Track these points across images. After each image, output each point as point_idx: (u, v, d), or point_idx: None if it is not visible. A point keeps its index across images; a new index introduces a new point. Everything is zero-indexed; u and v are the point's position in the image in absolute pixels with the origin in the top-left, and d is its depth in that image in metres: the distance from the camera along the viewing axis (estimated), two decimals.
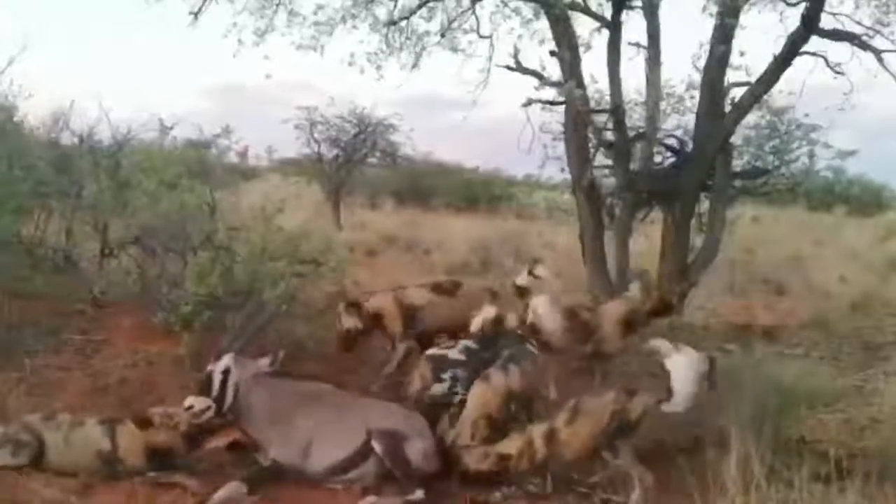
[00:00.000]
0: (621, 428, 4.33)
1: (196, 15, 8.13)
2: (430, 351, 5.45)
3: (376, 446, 4.37)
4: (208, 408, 4.44)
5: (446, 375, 5.13)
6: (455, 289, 6.59)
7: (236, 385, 4.53)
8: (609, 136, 7.77)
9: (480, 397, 4.77)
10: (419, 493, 4.21)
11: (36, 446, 4.24)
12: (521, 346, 5.26)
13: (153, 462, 4.38)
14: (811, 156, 9.33)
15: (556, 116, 8.30)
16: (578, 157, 7.92)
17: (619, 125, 7.67)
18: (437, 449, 4.55)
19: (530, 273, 6.36)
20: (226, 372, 4.54)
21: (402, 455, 4.35)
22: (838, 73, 7.38)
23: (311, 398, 4.72)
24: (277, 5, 7.81)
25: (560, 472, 4.47)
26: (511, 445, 4.48)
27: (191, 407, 4.42)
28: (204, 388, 4.51)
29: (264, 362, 4.67)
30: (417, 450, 4.41)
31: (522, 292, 6.31)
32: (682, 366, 4.35)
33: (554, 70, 7.64)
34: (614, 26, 7.74)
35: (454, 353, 5.26)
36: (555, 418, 4.50)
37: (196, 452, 4.56)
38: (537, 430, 4.48)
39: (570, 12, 7.62)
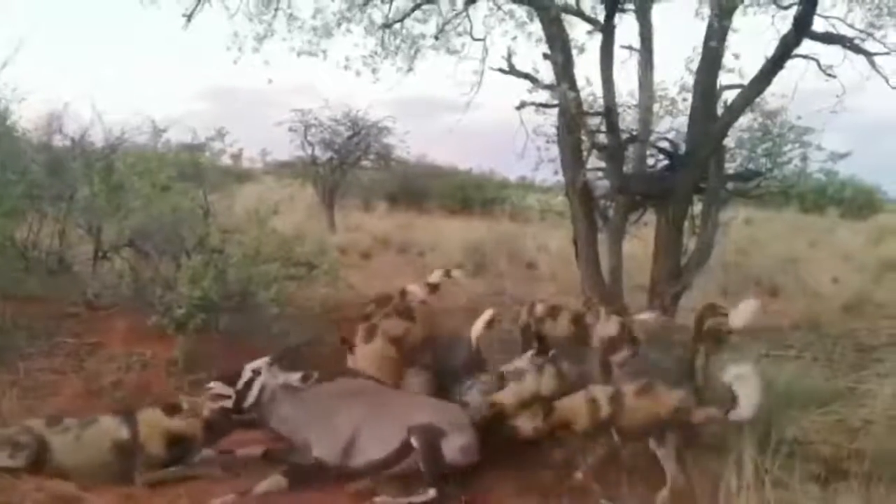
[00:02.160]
0: (676, 425, 4.40)
1: (189, 17, 8.09)
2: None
3: (414, 441, 4.37)
4: (228, 396, 4.53)
5: None
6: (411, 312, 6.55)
7: (262, 387, 4.61)
8: (602, 138, 7.77)
9: (506, 394, 4.94)
10: (431, 493, 4.20)
11: (35, 449, 4.20)
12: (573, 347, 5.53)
13: (173, 451, 4.40)
14: (804, 158, 9.34)
15: (550, 119, 8.29)
16: (572, 159, 7.91)
17: (613, 128, 7.66)
18: (476, 442, 4.55)
19: (447, 274, 6.45)
20: (256, 372, 4.64)
21: (438, 450, 4.35)
22: (830, 75, 7.40)
23: (351, 394, 4.77)
24: (276, 10, 7.79)
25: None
26: (571, 404, 4.56)
27: (211, 388, 4.53)
28: (231, 380, 4.60)
29: (295, 377, 4.70)
30: (455, 445, 4.42)
31: (434, 288, 6.38)
32: (750, 376, 4.41)
33: (547, 73, 7.65)
34: (607, 29, 7.75)
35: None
36: (623, 385, 4.60)
37: (213, 445, 4.63)
38: (600, 390, 4.58)
39: (563, 15, 7.63)
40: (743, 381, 4.39)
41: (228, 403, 4.54)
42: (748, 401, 4.34)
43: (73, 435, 4.29)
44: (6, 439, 4.22)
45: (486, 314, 5.88)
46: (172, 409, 4.52)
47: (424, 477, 4.28)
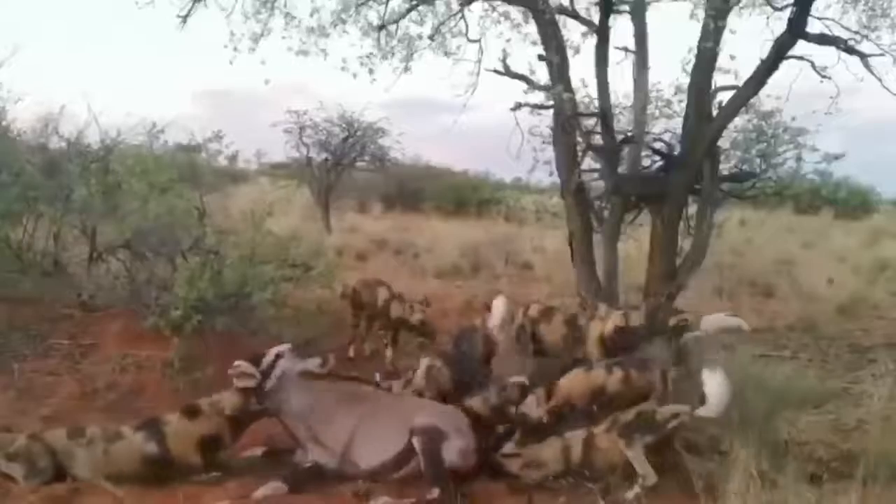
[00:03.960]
0: (645, 425, 4.43)
1: (184, 18, 8.07)
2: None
3: (415, 443, 4.38)
4: (253, 376, 4.50)
5: None
6: None
7: (283, 373, 4.60)
8: (597, 139, 7.78)
9: (573, 380, 5.08)
10: (435, 492, 4.20)
11: (51, 473, 4.15)
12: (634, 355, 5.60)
13: (205, 454, 4.39)
14: (798, 159, 9.32)
15: (545, 120, 8.30)
16: (567, 160, 7.92)
17: (608, 129, 7.68)
18: (476, 447, 4.56)
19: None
20: (279, 356, 4.63)
21: (438, 453, 4.36)
22: (825, 77, 7.42)
23: (352, 399, 4.77)
24: (273, 9, 7.76)
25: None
26: (547, 453, 4.59)
27: (238, 366, 4.50)
28: (255, 361, 4.59)
29: (314, 362, 4.73)
30: (455, 448, 4.43)
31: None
32: (717, 375, 4.48)
33: (543, 74, 7.66)
34: (602, 30, 7.76)
35: None
36: (594, 427, 4.63)
37: (237, 440, 4.62)
38: (575, 437, 4.61)
39: (558, 16, 7.64)
40: (711, 379, 4.46)
41: (252, 383, 4.51)
42: (715, 398, 4.42)
43: (101, 449, 4.24)
44: (26, 455, 4.16)
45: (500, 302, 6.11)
46: (193, 413, 4.49)
47: (427, 478, 4.29)
